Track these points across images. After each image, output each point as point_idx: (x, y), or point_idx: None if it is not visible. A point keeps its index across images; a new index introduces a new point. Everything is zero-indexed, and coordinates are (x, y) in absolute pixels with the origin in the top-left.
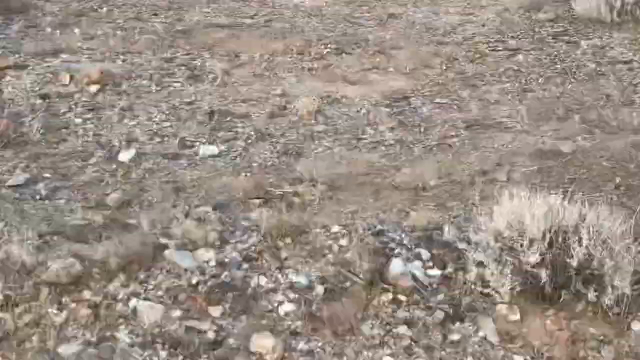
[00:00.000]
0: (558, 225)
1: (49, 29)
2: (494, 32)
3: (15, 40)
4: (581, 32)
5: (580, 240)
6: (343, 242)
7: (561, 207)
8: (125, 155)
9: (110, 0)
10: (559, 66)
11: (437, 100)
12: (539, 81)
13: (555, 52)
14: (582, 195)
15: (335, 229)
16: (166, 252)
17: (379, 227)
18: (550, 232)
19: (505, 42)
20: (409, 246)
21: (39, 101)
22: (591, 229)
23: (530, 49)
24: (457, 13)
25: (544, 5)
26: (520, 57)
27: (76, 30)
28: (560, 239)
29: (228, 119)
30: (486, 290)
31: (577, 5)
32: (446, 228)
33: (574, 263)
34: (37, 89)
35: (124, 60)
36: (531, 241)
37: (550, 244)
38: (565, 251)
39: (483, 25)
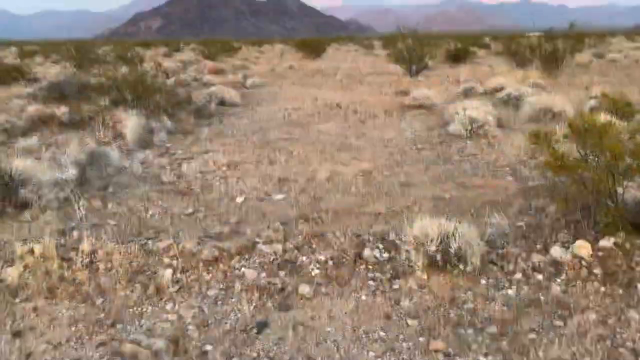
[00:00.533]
0: (444, 232)
1: (204, 141)
2: (411, 141)
3: (187, 146)
4: (453, 141)
5: (455, 239)
6: (342, 239)
7: (445, 223)
8: (239, 199)
9: (233, 128)
10: (442, 157)
11: (385, 173)
12: (433, 163)
13: (441, 150)
14: (455, 218)
15: (338, 233)
16: (258, 245)
17: (358, 232)
18: (440, 235)
19: (416, 145)
20: (373, 242)
21: (198, 174)
22: (458, 234)
23: (429, 149)
24: (393, 131)
25: (434, 128)
26: (424, 152)
27: (216, 141)
28: (445, 239)
29: (288, 181)
30: (410, 264)
31: (450, 128)
32: (391, 233)
33: (452, 250)
34: (198, 168)
35: (239, 155)
36: (431, 240)
37: (441, 242)
38: (447, 244)
39: (406, 138)
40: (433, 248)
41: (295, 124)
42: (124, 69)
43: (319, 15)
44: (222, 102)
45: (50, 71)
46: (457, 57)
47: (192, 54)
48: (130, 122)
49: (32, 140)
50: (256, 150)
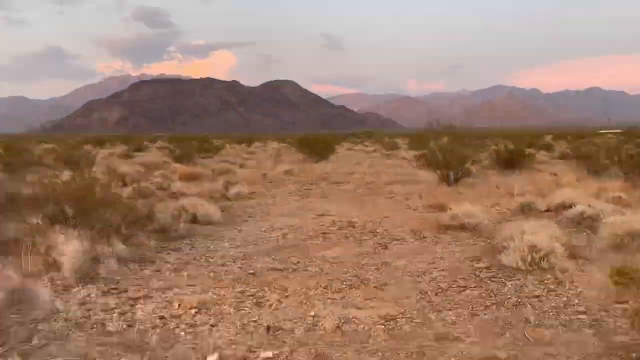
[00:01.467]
0: None
1: (168, 273)
2: (450, 275)
3: (145, 280)
4: (507, 276)
5: None
6: None
7: None
8: (211, 358)
9: (208, 254)
10: (493, 299)
11: (415, 320)
12: (482, 309)
13: (490, 289)
14: None
15: None
16: None
17: None
18: None
19: (457, 282)
20: None
21: (157, 320)
22: None
23: (474, 287)
24: (426, 261)
25: (482, 258)
26: (467, 292)
27: (184, 273)
28: None
29: (279, 332)
30: None
31: (503, 258)
32: None
33: None
34: (157, 312)
35: (214, 292)
36: None
37: None
38: None
39: (442, 270)
40: None
41: (293, 249)
42: (66, 175)
43: (326, 105)
44: (195, 219)
45: None
46: (510, 162)
47: (159, 154)
48: (70, 247)
49: None
50: (237, 285)
